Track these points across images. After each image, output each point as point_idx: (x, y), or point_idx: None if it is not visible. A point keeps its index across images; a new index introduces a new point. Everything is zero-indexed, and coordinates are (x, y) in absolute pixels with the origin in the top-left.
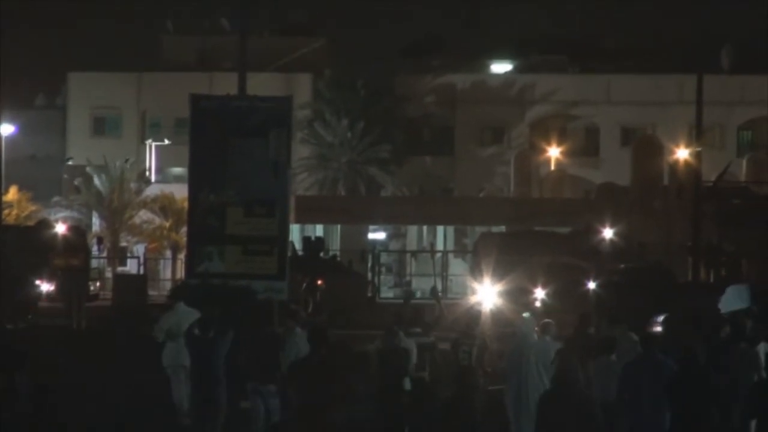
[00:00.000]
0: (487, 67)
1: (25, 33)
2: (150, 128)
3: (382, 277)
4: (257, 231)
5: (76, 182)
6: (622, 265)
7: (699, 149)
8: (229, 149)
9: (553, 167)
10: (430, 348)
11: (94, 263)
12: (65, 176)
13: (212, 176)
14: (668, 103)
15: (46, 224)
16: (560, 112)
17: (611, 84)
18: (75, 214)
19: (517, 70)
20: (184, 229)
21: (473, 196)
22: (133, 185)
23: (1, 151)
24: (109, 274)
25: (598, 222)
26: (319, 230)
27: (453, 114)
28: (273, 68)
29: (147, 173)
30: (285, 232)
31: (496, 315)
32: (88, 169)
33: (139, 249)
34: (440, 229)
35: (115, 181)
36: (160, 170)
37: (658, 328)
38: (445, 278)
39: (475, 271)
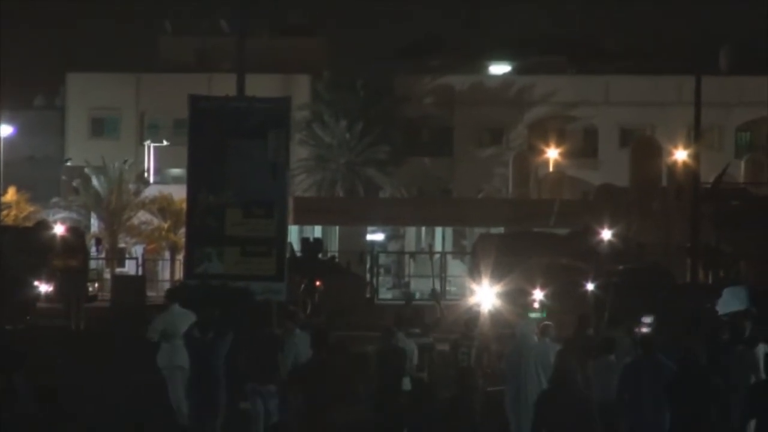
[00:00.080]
0: (486, 68)
1: (23, 33)
2: (148, 129)
3: (380, 278)
4: (256, 232)
5: (74, 183)
6: (621, 266)
7: (697, 150)
8: (227, 150)
9: (551, 168)
10: (429, 349)
11: (92, 264)
12: (64, 177)
13: (211, 177)
14: (667, 104)
15: (44, 225)
16: (559, 113)
17: (610, 85)
18: (73, 215)
19: (515, 71)
20: (182, 230)
21: (472, 197)
22: (131, 186)
23: None
24: (107, 275)
25: (597, 223)
26: (317, 231)
27: (452, 115)
28: (271, 69)
29: (146, 174)
30: (283, 233)
31: (495, 316)
32: (86, 170)
33: (138, 250)
34: (439, 230)
35: (113, 182)
36: (158, 171)
37: (645, 329)
38: (443, 279)
39: (474, 273)
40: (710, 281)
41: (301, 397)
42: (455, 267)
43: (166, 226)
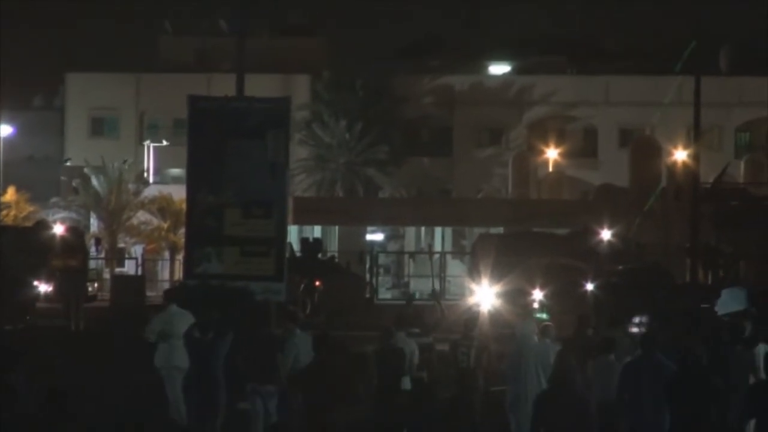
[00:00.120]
0: (486, 68)
1: (23, 34)
2: (148, 129)
3: (380, 278)
4: (255, 232)
5: (74, 183)
6: (621, 267)
7: (697, 150)
8: (227, 150)
9: (551, 168)
10: (428, 349)
11: (92, 264)
12: (63, 177)
13: (210, 177)
14: (666, 104)
15: (44, 225)
16: (558, 113)
17: (609, 85)
18: (73, 215)
19: (515, 71)
20: (182, 231)
21: (471, 198)
22: (131, 186)
23: None
24: (107, 275)
25: (596, 223)
26: (317, 231)
27: (451, 115)
28: (271, 69)
29: (145, 174)
30: (283, 233)
31: (495, 316)
32: (86, 170)
33: (137, 250)
34: (438, 230)
35: (113, 182)
36: (158, 171)
37: (635, 330)
38: (443, 279)
39: (474, 273)
40: (710, 281)
41: (301, 397)
42: (455, 267)
43: (165, 226)
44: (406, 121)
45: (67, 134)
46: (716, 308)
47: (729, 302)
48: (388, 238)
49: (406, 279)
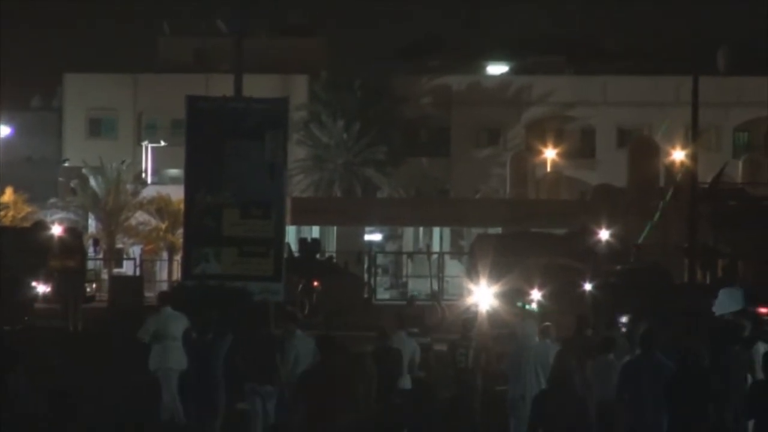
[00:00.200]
0: (484, 68)
1: (21, 34)
2: (146, 130)
3: (378, 278)
4: (253, 232)
5: (72, 184)
6: (619, 267)
7: (695, 150)
8: (225, 151)
9: (549, 169)
10: (427, 349)
11: (90, 265)
12: (61, 178)
13: (209, 178)
14: (664, 105)
15: (42, 226)
16: (556, 113)
17: (607, 85)
18: (71, 216)
19: (513, 71)
20: (180, 231)
21: (469, 198)
22: (129, 187)
23: None
24: (105, 276)
25: (594, 223)
26: (315, 232)
27: (449, 115)
28: (270, 70)
29: (143, 175)
30: (281, 233)
31: (493, 316)
32: (84, 170)
33: (136, 250)
34: (436, 230)
35: (111, 183)
36: (156, 172)
37: (623, 329)
38: (441, 280)
39: (472, 273)
40: (708, 281)
41: (302, 397)
42: (453, 267)
43: (163, 226)
44: (404, 121)
45: (65, 135)
46: (714, 308)
47: (726, 302)
48: (386, 239)
49: (404, 279)
